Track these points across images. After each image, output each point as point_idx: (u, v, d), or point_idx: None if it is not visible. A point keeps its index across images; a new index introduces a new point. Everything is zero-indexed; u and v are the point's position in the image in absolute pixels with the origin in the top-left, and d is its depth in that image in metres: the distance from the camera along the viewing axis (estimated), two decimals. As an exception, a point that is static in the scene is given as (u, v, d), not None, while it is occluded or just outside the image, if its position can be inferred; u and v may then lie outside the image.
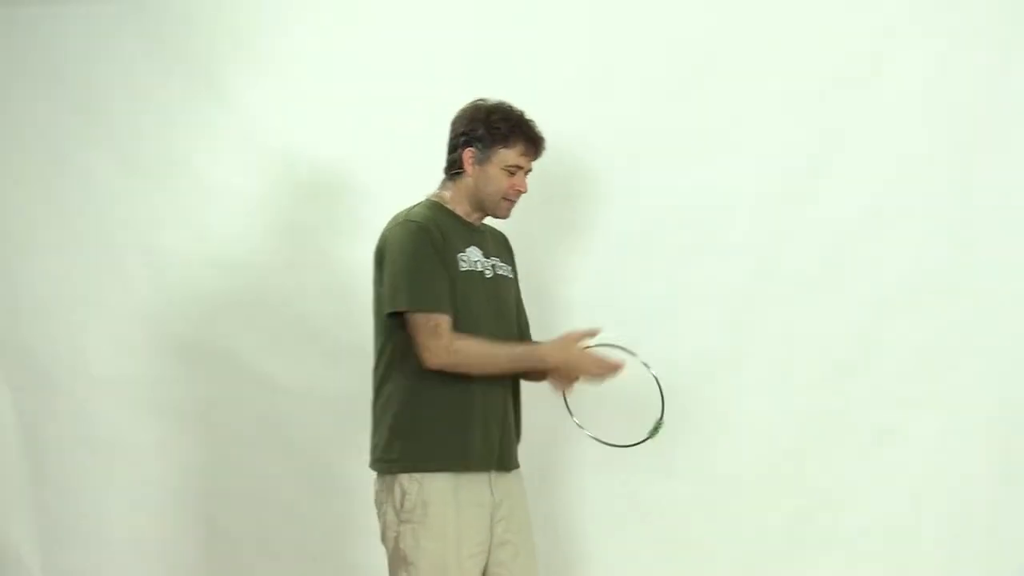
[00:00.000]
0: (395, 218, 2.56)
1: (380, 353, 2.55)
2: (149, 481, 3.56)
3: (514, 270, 2.73)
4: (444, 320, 2.44)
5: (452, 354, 2.42)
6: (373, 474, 2.58)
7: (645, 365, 2.51)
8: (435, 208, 2.57)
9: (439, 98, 3.26)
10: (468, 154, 2.57)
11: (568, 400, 2.57)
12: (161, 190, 3.54)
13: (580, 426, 2.58)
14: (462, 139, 2.58)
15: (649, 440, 2.50)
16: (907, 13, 3.01)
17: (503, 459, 2.57)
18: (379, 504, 2.54)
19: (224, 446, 3.51)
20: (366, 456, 2.98)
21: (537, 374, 2.59)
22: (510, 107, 2.58)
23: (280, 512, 3.47)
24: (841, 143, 3.04)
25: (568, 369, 2.48)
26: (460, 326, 2.47)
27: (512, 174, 2.56)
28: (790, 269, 3.08)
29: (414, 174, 3.29)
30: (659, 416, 2.49)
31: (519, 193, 2.59)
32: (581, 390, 2.55)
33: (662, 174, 3.15)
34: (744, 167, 3.10)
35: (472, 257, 2.55)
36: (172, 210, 3.54)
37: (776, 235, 3.09)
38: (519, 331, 2.70)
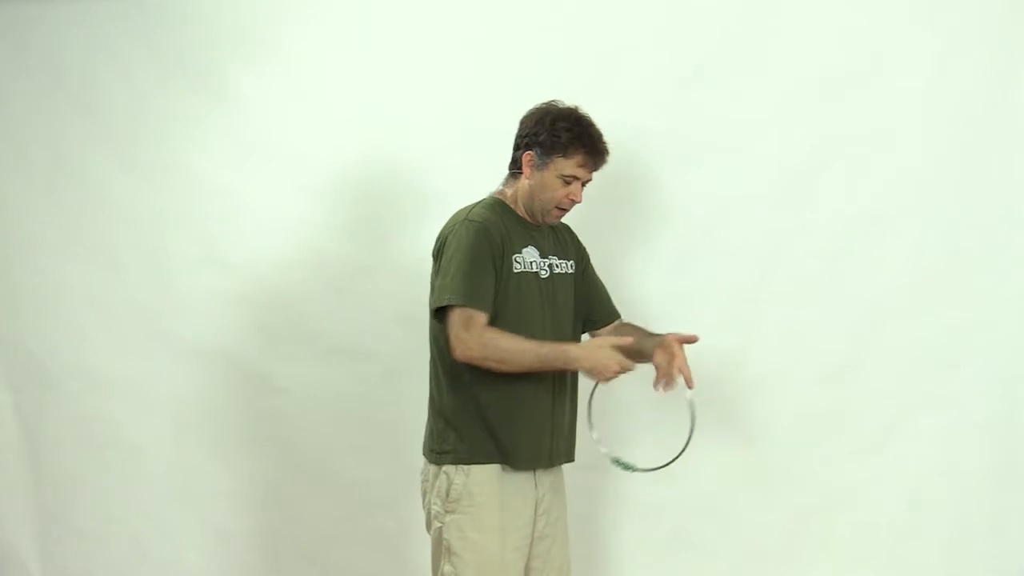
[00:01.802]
0: (456, 216, 2.57)
1: (435, 345, 2.57)
2: (149, 481, 3.56)
3: (578, 259, 2.74)
4: (480, 316, 2.44)
5: (481, 347, 2.42)
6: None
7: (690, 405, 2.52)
8: (496, 207, 2.58)
9: (440, 98, 3.29)
10: (527, 157, 2.57)
11: (592, 416, 2.59)
12: (161, 190, 3.54)
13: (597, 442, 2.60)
14: (525, 140, 2.58)
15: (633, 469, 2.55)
16: (907, 13, 3.01)
17: (551, 457, 2.59)
18: (424, 493, 2.58)
19: (225, 446, 3.51)
20: (366, 456, 3.00)
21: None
22: (579, 115, 2.56)
23: (280, 512, 3.47)
24: (841, 143, 3.04)
25: (596, 370, 2.44)
26: (514, 327, 2.48)
27: (568, 183, 2.56)
28: (790, 269, 3.08)
29: (415, 174, 3.31)
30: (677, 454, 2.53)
31: (572, 203, 2.59)
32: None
33: (661, 174, 3.14)
34: (744, 167, 3.10)
35: (528, 258, 2.57)
36: (172, 210, 3.54)
37: (776, 235, 3.09)
38: (600, 319, 2.75)
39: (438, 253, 2.55)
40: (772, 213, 3.09)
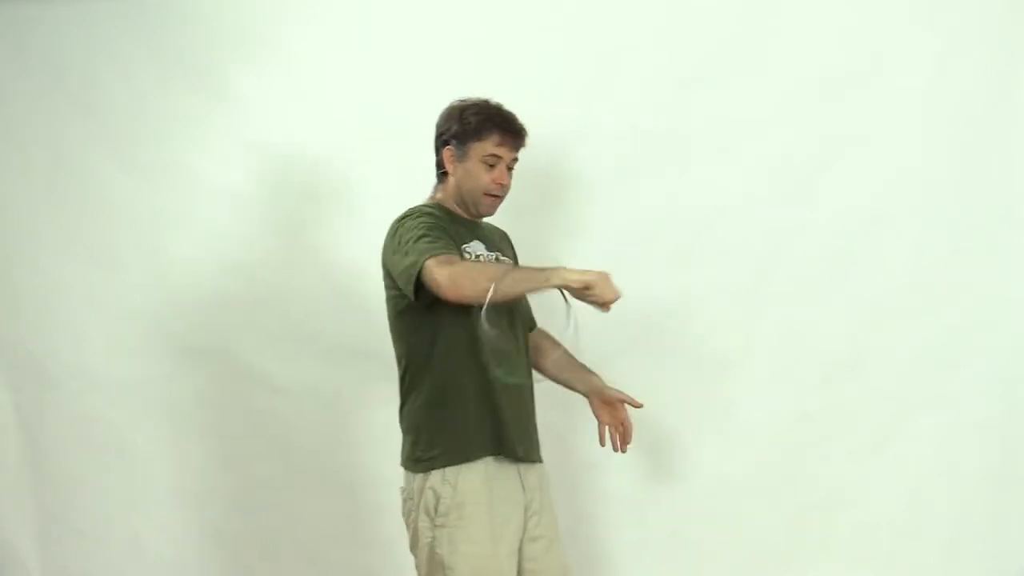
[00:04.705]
0: (394, 221, 2.56)
1: (404, 355, 2.57)
2: (149, 481, 3.56)
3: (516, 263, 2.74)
4: (450, 255, 2.40)
5: (471, 264, 2.41)
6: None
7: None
8: (436, 209, 2.58)
9: (439, 97, 3.27)
10: (447, 153, 2.58)
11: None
12: (161, 190, 3.54)
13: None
14: (441, 139, 2.60)
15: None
16: (907, 13, 3.01)
17: (528, 451, 2.58)
18: (408, 512, 2.53)
19: (224, 446, 3.51)
20: (365, 456, 3.00)
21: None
22: (486, 102, 2.58)
23: (280, 512, 3.47)
24: (841, 143, 3.04)
25: (593, 288, 2.30)
26: (469, 315, 2.43)
27: (492, 166, 2.56)
28: (790, 269, 3.08)
29: (415, 174, 3.30)
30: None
31: (502, 187, 2.58)
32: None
33: (661, 174, 3.14)
34: (744, 167, 3.10)
35: (476, 250, 2.56)
36: (172, 210, 3.53)
37: (776, 235, 3.09)
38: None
39: (388, 251, 2.51)
40: (772, 213, 3.09)
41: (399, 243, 2.46)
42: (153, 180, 3.55)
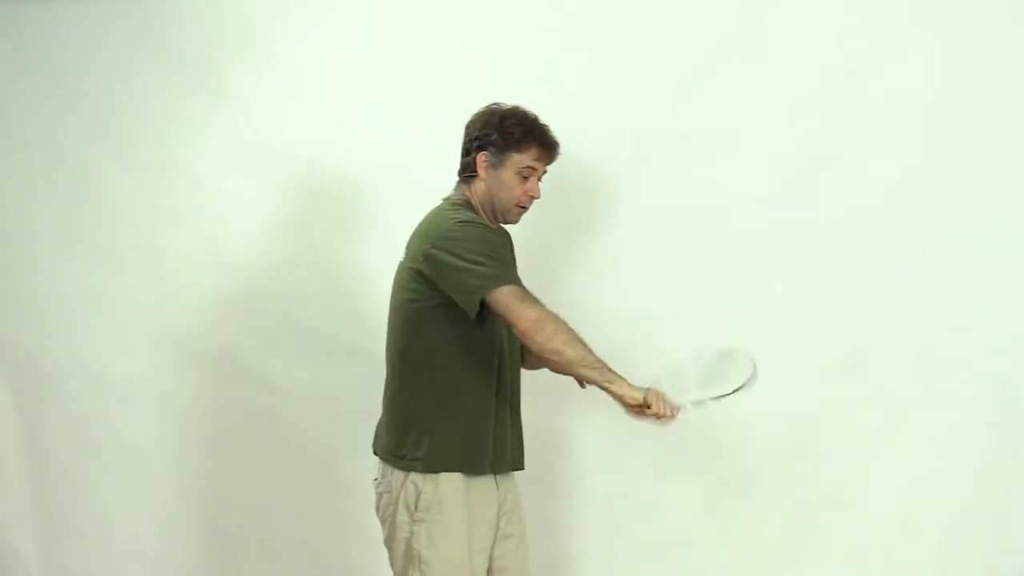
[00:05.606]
0: (438, 216, 2.54)
1: (405, 347, 2.55)
2: (149, 481, 3.56)
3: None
4: (527, 290, 2.44)
5: (555, 316, 2.39)
6: (373, 475, 2.59)
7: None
8: (468, 207, 2.57)
9: (441, 98, 3.29)
10: (481, 158, 2.56)
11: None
12: (161, 190, 3.55)
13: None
14: (476, 143, 2.57)
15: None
16: (907, 13, 3.01)
17: (516, 460, 2.61)
18: (386, 505, 2.54)
19: (224, 446, 3.51)
20: (365, 456, 2.98)
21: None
22: (524, 111, 2.57)
23: (280, 512, 3.47)
24: (841, 143, 3.04)
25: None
26: (491, 329, 2.48)
27: (525, 178, 2.56)
28: (790, 269, 3.08)
29: (415, 175, 3.31)
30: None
31: (532, 199, 2.59)
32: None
33: (662, 174, 3.14)
34: (744, 167, 3.10)
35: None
36: (172, 210, 3.54)
37: (776, 235, 3.09)
38: None
39: (430, 255, 2.47)
40: (772, 213, 3.09)
41: (463, 250, 2.42)
42: (153, 180, 3.55)
